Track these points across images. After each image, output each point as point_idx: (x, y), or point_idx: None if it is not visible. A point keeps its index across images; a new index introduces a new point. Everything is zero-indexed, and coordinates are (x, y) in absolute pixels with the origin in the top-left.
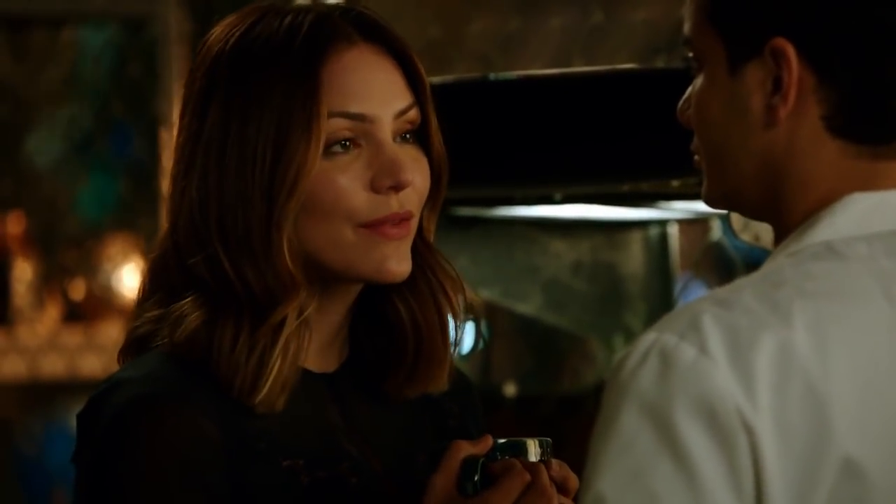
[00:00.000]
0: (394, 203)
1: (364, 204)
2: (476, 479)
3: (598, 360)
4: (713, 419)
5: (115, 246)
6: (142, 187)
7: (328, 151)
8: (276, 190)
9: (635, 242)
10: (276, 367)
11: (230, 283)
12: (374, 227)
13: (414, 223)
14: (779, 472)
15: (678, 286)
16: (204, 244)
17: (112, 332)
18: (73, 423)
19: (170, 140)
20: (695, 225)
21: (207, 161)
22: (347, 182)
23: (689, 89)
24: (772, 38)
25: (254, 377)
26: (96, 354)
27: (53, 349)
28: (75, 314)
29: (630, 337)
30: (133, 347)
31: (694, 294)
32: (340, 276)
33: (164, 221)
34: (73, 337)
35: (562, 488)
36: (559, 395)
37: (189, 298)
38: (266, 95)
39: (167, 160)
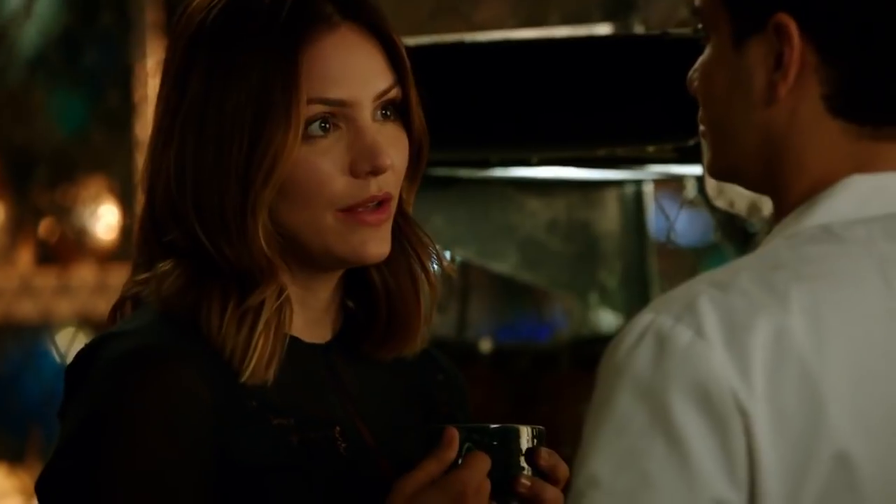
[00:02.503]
0: (372, 186)
1: (343, 189)
2: (459, 463)
3: (573, 316)
4: (708, 402)
5: (88, 189)
6: (115, 133)
7: (307, 134)
8: (251, 176)
9: (610, 201)
10: (261, 344)
11: (212, 257)
12: (352, 212)
13: (393, 204)
14: (772, 457)
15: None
16: (181, 220)
17: (86, 275)
18: (47, 362)
19: (139, 87)
20: (670, 184)
21: (184, 140)
22: (327, 167)
23: (699, 59)
24: (775, 14)
25: (242, 353)
26: (70, 297)
27: (27, 292)
28: (49, 257)
29: (605, 294)
30: (122, 308)
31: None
32: (320, 259)
33: (140, 170)
34: (46, 280)
35: (550, 477)
36: (534, 351)
37: (169, 260)
38: (244, 80)
39: (141, 107)
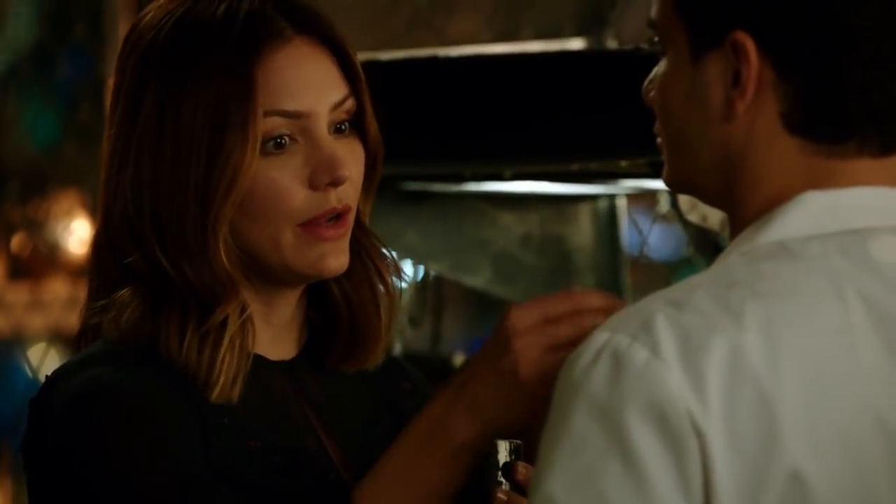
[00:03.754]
0: (332, 198)
1: (303, 202)
2: None
3: None
4: (664, 422)
5: (61, 203)
6: (88, 147)
7: (265, 150)
8: (211, 192)
9: (584, 215)
10: (226, 362)
11: (170, 279)
12: (312, 227)
13: (352, 216)
14: (728, 477)
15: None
16: (139, 241)
17: (58, 290)
18: (20, 377)
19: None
20: (643, 198)
21: (141, 160)
22: (286, 180)
23: (655, 70)
24: (733, 32)
25: (207, 373)
26: (42, 312)
27: None
28: (21, 272)
29: None
30: (85, 337)
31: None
32: (279, 274)
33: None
34: (18, 294)
35: (527, 492)
36: None
37: (127, 289)
38: (199, 96)
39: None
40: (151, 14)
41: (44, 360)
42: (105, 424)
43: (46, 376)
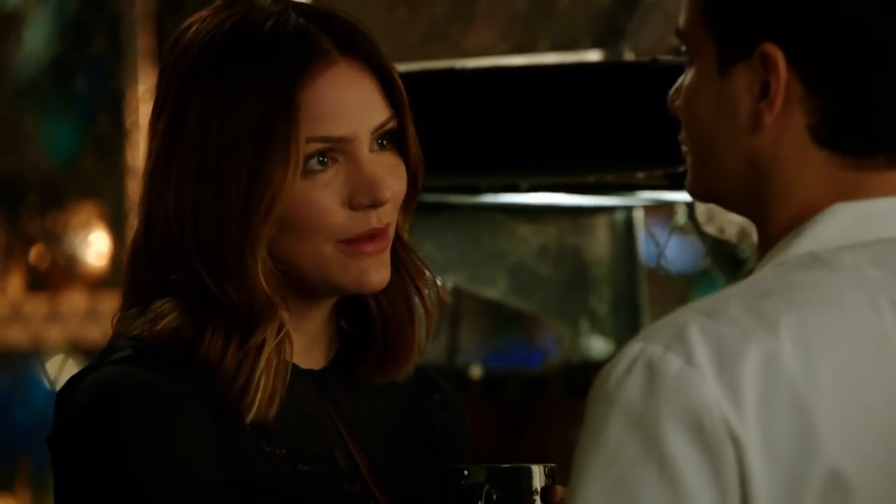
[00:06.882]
0: (373, 219)
1: (343, 221)
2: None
3: (563, 342)
4: (700, 431)
5: (79, 215)
6: (106, 159)
7: (306, 170)
8: (251, 212)
9: (601, 227)
10: (263, 383)
11: (215, 297)
12: (352, 243)
13: (391, 231)
14: (765, 485)
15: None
16: (182, 259)
17: (76, 302)
18: (38, 389)
19: (130, 114)
20: (660, 210)
21: (183, 177)
22: (326, 200)
23: (680, 79)
24: (762, 43)
25: (242, 392)
26: (60, 324)
27: (17, 318)
28: (39, 284)
29: (595, 321)
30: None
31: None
32: (318, 288)
33: (130, 196)
34: (36, 306)
35: None
36: (524, 377)
37: (168, 299)
38: (243, 118)
39: (132, 133)
40: (196, 27)
41: (62, 372)
42: (125, 422)
43: (80, 369)
